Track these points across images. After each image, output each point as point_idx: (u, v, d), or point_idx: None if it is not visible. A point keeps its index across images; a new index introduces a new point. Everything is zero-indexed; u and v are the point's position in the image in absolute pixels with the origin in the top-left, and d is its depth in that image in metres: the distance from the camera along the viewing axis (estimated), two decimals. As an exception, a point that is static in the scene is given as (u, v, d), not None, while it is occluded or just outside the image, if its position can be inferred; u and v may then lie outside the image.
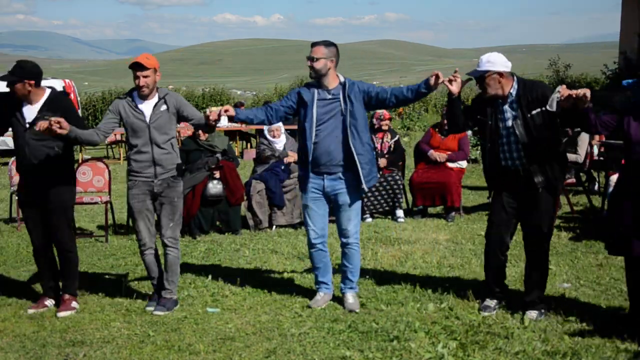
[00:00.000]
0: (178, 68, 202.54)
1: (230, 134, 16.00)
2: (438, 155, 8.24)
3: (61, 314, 4.88)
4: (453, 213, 8.14)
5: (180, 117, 5.00)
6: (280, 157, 8.06)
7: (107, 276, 5.97)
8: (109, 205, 7.67)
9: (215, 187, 7.53)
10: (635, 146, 4.18)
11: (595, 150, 9.02)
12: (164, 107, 4.92)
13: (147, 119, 4.88)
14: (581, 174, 8.85)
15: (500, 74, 4.56)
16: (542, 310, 4.63)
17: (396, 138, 8.47)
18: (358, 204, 4.94)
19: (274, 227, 7.79)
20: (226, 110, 4.75)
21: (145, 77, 4.82)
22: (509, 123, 4.59)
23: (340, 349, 4.14)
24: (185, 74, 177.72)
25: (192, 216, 7.45)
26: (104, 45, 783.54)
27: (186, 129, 17.74)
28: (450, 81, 4.63)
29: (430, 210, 8.47)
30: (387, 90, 4.88)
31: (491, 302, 4.79)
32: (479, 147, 14.25)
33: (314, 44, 4.82)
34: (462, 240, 7.01)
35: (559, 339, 4.19)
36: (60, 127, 4.50)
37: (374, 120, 8.38)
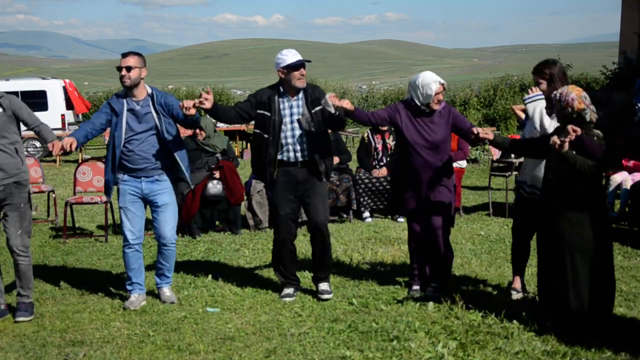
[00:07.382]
0: (178, 67, 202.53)
1: (230, 134, 15.99)
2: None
3: None
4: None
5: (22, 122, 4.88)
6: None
7: (107, 276, 5.96)
8: (108, 205, 7.66)
9: (215, 187, 7.53)
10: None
11: None
12: None
13: None
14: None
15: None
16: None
17: (397, 139, 8.46)
18: (174, 205, 5.14)
19: (274, 227, 7.79)
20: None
21: None
22: (295, 117, 4.94)
23: (340, 349, 4.14)
24: (185, 73, 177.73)
25: (192, 216, 7.46)
26: (105, 45, 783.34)
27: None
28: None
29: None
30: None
31: (290, 289, 5.18)
32: (477, 147, 14.26)
33: (125, 54, 4.98)
34: (462, 240, 7.01)
35: (559, 339, 4.19)
36: None
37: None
